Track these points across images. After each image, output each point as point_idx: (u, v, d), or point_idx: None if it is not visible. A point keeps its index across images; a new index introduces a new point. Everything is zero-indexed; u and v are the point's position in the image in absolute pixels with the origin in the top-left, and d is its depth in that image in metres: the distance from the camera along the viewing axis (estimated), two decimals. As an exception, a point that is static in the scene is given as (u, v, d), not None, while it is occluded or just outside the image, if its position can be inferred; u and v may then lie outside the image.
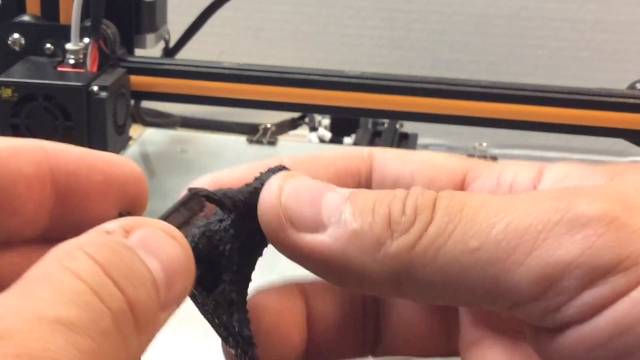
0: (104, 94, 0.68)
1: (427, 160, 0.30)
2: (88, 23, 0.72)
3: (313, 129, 1.01)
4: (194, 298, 0.27)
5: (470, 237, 0.22)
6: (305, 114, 0.98)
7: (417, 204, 0.23)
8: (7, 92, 0.67)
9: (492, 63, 1.22)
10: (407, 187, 0.28)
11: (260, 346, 0.27)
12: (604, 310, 0.22)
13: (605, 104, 0.72)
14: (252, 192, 0.27)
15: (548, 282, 0.22)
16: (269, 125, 0.91)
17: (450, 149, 0.98)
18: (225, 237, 0.27)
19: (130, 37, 0.79)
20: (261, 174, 0.28)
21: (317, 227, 0.24)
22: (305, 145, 0.95)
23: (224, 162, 0.83)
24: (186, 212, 0.27)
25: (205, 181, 0.29)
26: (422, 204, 0.23)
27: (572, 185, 0.27)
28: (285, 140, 0.91)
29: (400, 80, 0.74)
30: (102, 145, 0.68)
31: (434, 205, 0.23)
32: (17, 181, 0.25)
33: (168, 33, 0.86)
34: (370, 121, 0.98)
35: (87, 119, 0.68)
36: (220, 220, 0.27)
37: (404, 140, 0.98)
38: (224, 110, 0.92)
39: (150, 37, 0.80)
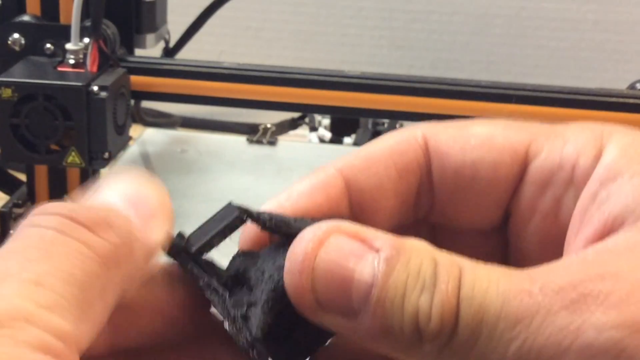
0: (104, 94, 0.68)
1: (487, 141, 0.29)
2: (88, 23, 0.72)
3: (313, 129, 1.01)
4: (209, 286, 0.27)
5: (490, 351, 0.24)
6: (305, 114, 0.98)
7: (442, 310, 0.24)
8: (7, 92, 0.67)
9: (492, 63, 1.22)
10: (471, 179, 0.29)
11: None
12: None
13: (605, 104, 0.72)
14: (297, 230, 0.26)
15: None
16: (269, 125, 0.91)
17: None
18: (262, 259, 0.27)
19: (130, 37, 0.79)
20: (313, 220, 0.27)
21: (347, 312, 0.25)
22: (305, 145, 0.95)
23: (224, 162, 0.83)
24: (223, 224, 0.27)
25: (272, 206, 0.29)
26: (448, 311, 0.24)
27: (621, 193, 0.27)
28: (285, 140, 0.91)
29: (400, 80, 0.74)
30: (102, 146, 0.68)
31: (457, 314, 0.24)
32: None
33: (168, 33, 0.86)
34: (370, 121, 0.98)
35: (87, 119, 0.68)
36: (269, 250, 0.27)
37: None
38: (224, 110, 0.92)
39: (150, 37, 0.80)
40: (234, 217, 0.27)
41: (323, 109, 0.80)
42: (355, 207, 0.29)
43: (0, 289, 0.21)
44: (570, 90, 0.73)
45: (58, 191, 0.78)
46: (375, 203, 0.29)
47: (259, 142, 0.87)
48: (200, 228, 0.28)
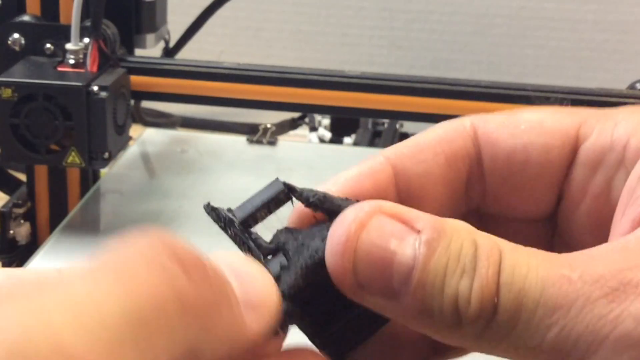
0: (104, 94, 0.68)
1: (537, 126, 0.29)
2: (88, 23, 0.72)
3: (313, 129, 1.01)
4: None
5: (528, 336, 0.24)
6: (305, 114, 0.98)
7: (482, 295, 0.24)
8: (7, 92, 0.67)
9: (492, 63, 1.22)
10: (523, 163, 0.29)
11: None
12: None
13: (605, 104, 0.72)
14: (340, 208, 0.26)
15: None
16: (269, 125, 0.91)
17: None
18: (306, 233, 0.27)
19: (130, 37, 0.79)
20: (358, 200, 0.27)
21: (388, 293, 0.25)
22: (305, 145, 0.95)
23: (224, 162, 0.83)
24: (268, 198, 0.28)
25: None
26: (487, 296, 0.24)
27: None
28: (285, 140, 0.91)
29: (400, 80, 0.74)
30: (102, 146, 0.68)
31: (497, 299, 0.24)
32: None
33: (168, 33, 0.86)
34: (370, 121, 0.98)
35: (87, 119, 0.68)
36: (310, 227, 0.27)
37: (404, 140, 0.98)
38: (224, 110, 0.92)
39: (150, 37, 0.80)
40: (278, 191, 0.28)
41: (323, 109, 0.80)
42: (402, 194, 0.29)
43: (51, 310, 0.19)
44: (570, 90, 0.73)
45: (58, 191, 0.78)
46: (423, 190, 0.29)
47: (259, 142, 0.87)
48: (246, 201, 0.28)
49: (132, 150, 0.85)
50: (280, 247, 0.27)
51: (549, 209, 0.30)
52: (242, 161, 0.84)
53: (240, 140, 0.89)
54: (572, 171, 0.29)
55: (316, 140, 0.99)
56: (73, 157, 0.69)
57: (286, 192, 0.28)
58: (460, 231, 0.25)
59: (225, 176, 0.80)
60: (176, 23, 0.88)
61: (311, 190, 0.27)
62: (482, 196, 0.30)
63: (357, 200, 0.27)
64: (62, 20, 0.75)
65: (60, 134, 0.68)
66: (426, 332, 0.25)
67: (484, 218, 0.31)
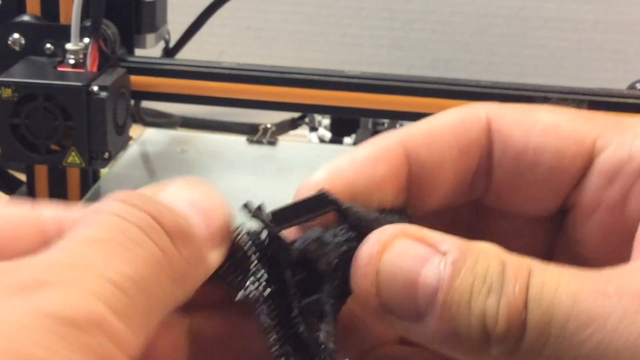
0: (104, 94, 0.68)
1: (552, 129, 0.28)
2: (88, 23, 0.72)
3: (313, 129, 1.01)
4: (270, 302, 0.26)
5: (561, 353, 0.23)
6: (305, 114, 0.98)
7: (509, 312, 0.24)
8: (7, 92, 0.67)
9: (492, 63, 1.22)
10: (532, 165, 0.28)
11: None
12: None
13: (605, 104, 0.72)
14: (375, 221, 0.26)
15: None
16: (269, 125, 0.91)
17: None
18: (336, 250, 0.26)
19: (130, 37, 0.78)
20: (384, 210, 0.27)
21: (413, 315, 0.25)
22: (305, 145, 0.95)
23: (224, 162, 0.83)
24: (306, 210, 0.27)
25: (321, 175, 0.28)
26: (514, 313, 0.23)
27: None
28: (285, 140, 0.91)
29: (400, 80, 0.74)
30: (102, 146, 0.68)
31: (525, 315, 0.23)
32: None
33: (168, 33, 0.86)
34: (370, 121, 0.98)
35: (87, 119, 0.68)
36: (335, 235, 0.27)
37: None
38: (224, 110, 0.92)
39: (150, 37, 0.80)
40: (325, 210, 0.27)
41: (323, 109, 0.80)
42: (413, 180, 0.29)
43: (82, 283, 0.21)
44: (570, 90, 0.73)
45: (58, 191, 0.78)
46: (433, 179, 0.29)
47: (259, 142, 0.87)
48: (287, 208, 0.27)
49: (132, 150, 0.85)
50: (308, 260, 0.27)
51: (551, 211, 0.30)
52: (242, 161, 0.84)
53: (240, 140, 0.89)
54: (585, 181, 0.29)
55: (316, 140, 0.99)
56: (73, 157, 0.69)
57: (330, 209, 0.27)
58: (488, 251, 0.24)
59: (225, 176, 0.80)
60: (176, 23, 0.88)
61: (360, 209, 0.27)
62: (486, 189, 0.30)
63: (384, 210, 0.27)
64: (62, 20, 0.75)
65: (60, 134, 0.68)
66: (454, 354, 0.25)
67: (482, 210, 0.31)
